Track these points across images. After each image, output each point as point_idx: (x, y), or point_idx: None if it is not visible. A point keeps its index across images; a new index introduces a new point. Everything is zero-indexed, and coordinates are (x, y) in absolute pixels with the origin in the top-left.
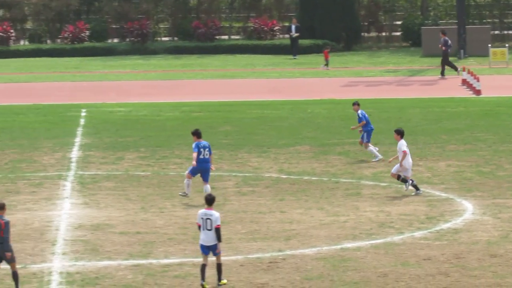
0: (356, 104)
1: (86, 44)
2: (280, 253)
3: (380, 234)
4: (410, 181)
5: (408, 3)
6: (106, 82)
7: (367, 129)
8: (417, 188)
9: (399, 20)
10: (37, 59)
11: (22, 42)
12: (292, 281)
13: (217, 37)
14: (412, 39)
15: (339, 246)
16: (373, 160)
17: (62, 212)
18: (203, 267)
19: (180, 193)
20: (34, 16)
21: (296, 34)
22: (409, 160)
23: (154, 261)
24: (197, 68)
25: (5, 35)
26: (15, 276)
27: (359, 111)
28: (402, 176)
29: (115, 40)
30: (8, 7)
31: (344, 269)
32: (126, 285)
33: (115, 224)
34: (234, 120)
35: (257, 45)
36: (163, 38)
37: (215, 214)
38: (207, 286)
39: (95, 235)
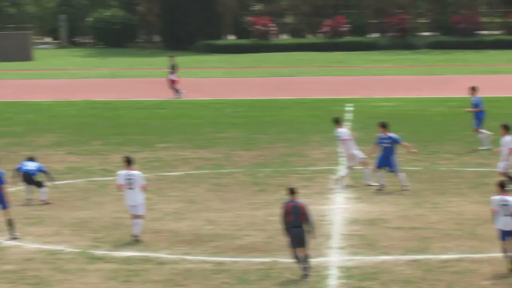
0: (472, 89)
1: (347, 38)
2: None
3: None
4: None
5: None
6: (370, 77)
7: (479, 116)
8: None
9: None
10: (298, 53)
11: (281, 36)
12: None
13: (477, 32)
14: None
15: None
16: (480, 147)
17: (336, 206)
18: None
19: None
20: (294, 10)
21: None
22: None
23: (431, 256)
24: (460, 63)
25: (265, 29)
26: (306, 258)
27: (474, 97)
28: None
29: (375, 35)
30: (268, 1)
31: None
32: (405, 280)
33: (390, 219)
34: (498, 116)
35: None
36: (423, 33)
37: (511, 199)
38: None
39: (370, 229)
